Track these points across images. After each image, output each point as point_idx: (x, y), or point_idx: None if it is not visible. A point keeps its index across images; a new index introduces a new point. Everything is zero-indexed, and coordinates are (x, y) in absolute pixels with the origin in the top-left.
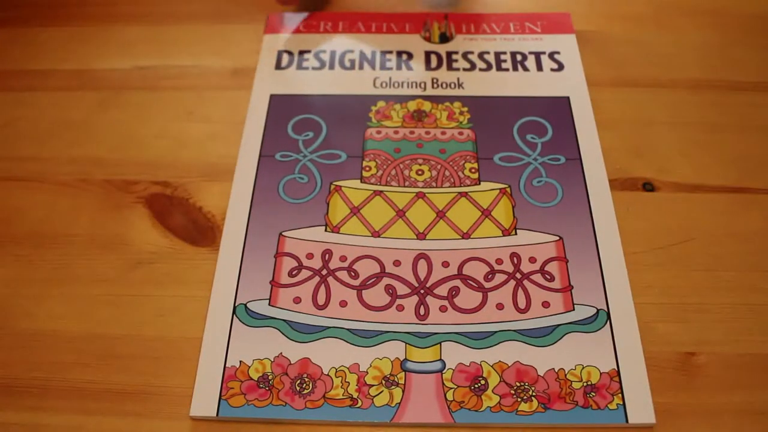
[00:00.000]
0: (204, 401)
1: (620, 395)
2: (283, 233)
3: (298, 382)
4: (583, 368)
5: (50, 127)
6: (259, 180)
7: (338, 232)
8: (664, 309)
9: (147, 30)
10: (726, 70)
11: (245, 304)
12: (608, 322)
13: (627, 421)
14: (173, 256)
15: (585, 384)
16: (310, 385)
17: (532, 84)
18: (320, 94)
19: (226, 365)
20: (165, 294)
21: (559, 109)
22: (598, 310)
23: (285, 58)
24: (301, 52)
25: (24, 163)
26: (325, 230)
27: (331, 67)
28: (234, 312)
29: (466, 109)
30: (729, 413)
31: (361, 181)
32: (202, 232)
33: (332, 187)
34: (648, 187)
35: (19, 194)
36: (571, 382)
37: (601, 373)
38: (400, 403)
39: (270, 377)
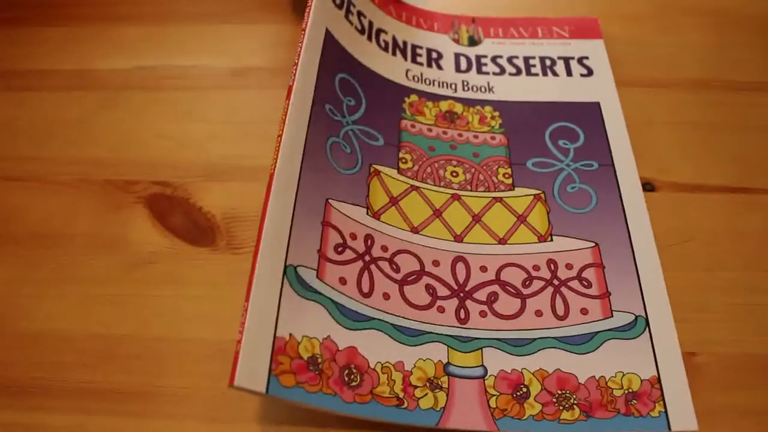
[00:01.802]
0: (252, 372)
1: (662, 402)
2: (330, 201)
3: (347, 372)
4: (623, 375)
5: (50, 127)
6: (312, 129)
7: (379, 219)
8: None
9: (147, 30)
10: (726, 70)
11: (295, 268)
12: (647, 329)
13: (669, 428)
14: (173, 256)
15: (626, 391)
16: (358, 377)
17: (563, 89)
18: (361, 61)
19: (276, 335)
20: (165, 294)
21: (590, 114)
22: (636, 317)
23: None
24: (349, 2)
25: (23, 163)
26: (367, 213)
27: (369, 38)
28: (284, 274)
29: (497, 113)
30: (729, 413)
31: (399, 173)
32: (202, 232)
33: (372, 169)
34: (648, 187)
35: (19, 194)
36: (612, 389)
37: (642, 380)
38: (444, 408)
39: (319, 360)
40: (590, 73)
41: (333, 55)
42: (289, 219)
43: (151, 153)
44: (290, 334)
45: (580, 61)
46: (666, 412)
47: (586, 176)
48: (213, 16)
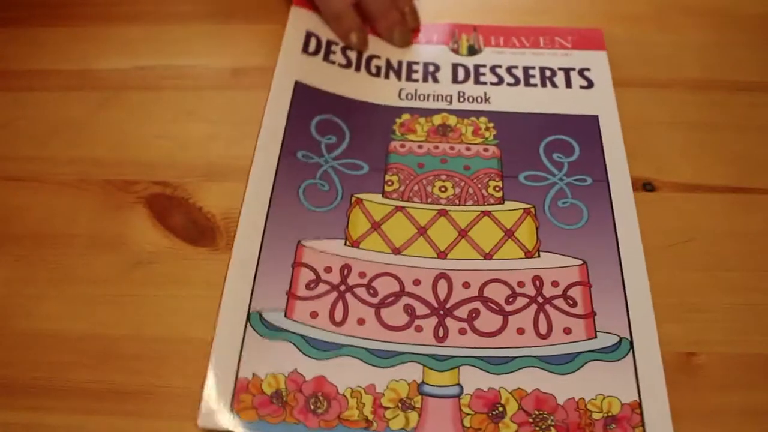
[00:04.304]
0: (214, 412)
1: (641, 428)
2: (302, 242)
3: (313, 400)
4: (604, 398)
5: (50, 127)
6: (279, 179)
7: (358, 247)
8: (664, 309)
9: (147, 30)
10: (726, 70)
11: (260, 313)
12: (631, 352)
13: None
14: (173, 256)
15: (605, 415)
16: (325, 404)
17: (561, 101)
18: (346, 96)
19: (238, 376)
20: (165, 294)
21: (587, 128)
22: (620, 339)
23: (313, 42)
24: (329, 43)
25: (24, 163)
26: (345, 244)
27: (357, 68)
28: (248, 320)
29: (492, 124)
30: (729, 413)
31: (383, 196)
32: (202, 232)
33: (353, 199)
34: (648, 187)
35: (19, 194)
36: (591, 412)
37: (622, 404)
38: (416, 428)
39: (283, 393)
40: (590, 85)
41: (307, 101)
42: (254, 267)
43: (151, 153)
44: (253, 374)
45: (581, 72)
46: None
47: (578, 191)
48: (213, 16)
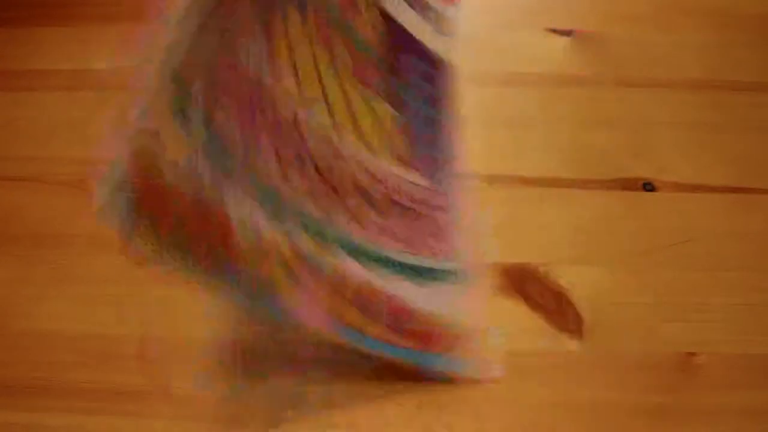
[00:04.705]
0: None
1: (473, 348)
2: None
3: None
4: (448, 318)
5: (50, 127)
6: None
7: None
8: (664, 309)
9: (147, 30)
10: (726, 70)
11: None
12: (467, 279)
13: (476, 373)
14: None
15: (449, 332)
16: None
17: None
18: None
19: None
20: (165, 294)
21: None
22: (458, 268)
23: None
24: None
25: (23, 163)
26: None
27: None
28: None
29: None
30: (729, 413)
31: None
32: None
33: None
34: (648, 187)
35: (19, 194)
36: (438, 328)
37: (463, 326)
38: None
39: None
40: None
41: None
42: None
43: None
44: None
45: None
46: (473, 358)
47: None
48: None
